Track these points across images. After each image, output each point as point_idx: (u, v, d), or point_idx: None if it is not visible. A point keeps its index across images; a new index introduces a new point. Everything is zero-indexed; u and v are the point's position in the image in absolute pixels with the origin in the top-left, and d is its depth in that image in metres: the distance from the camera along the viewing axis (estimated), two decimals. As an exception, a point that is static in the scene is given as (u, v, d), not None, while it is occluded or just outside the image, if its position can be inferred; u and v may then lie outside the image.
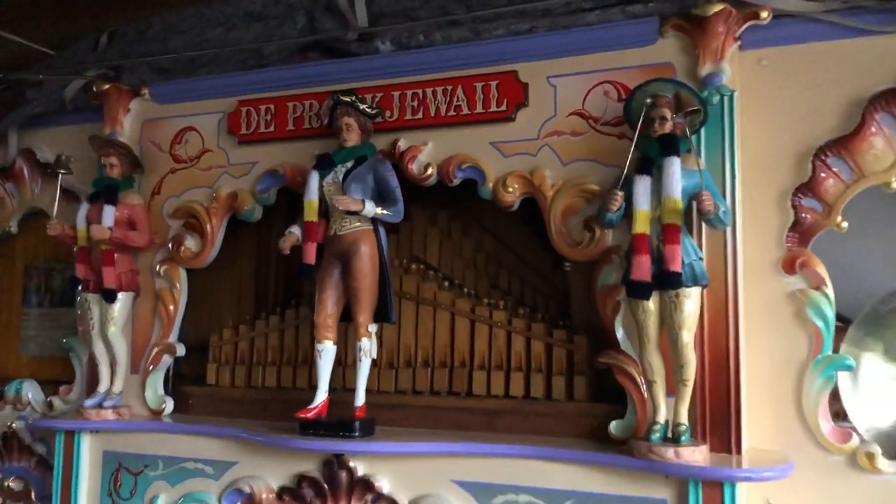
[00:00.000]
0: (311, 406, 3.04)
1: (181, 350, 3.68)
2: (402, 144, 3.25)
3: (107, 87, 3.82)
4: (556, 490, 2.78)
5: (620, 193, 2.65)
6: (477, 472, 2.90)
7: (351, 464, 3.05)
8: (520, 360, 3.19)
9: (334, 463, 3.06)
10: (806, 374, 2.70)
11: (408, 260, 3.54)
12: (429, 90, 3.23)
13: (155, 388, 3.66)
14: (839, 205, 2.75)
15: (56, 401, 3.94)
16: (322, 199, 3.15)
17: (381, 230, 3.14)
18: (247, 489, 3.22)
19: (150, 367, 3.64)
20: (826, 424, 2.68)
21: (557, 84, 3.06)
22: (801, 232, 2.78)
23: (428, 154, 3.22)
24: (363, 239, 3.07)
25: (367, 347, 3.06)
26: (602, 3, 2.97)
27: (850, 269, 2.90)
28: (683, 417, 2.59)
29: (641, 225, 2.59)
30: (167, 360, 3.66)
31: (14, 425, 4.01)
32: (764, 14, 2.78)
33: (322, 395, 3.08)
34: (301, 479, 3.14)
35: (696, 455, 2.53)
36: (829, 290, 2.71)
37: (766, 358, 2.74)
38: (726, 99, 2.79)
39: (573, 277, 3.40)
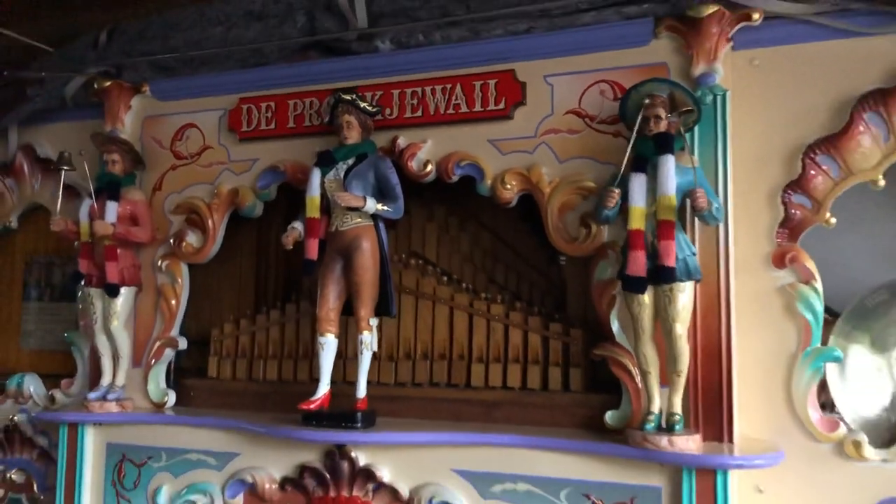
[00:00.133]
0: (314, 398, 3.09)
1: (183, 344, 3.71)
2: (402, 142, 3.28)
3: (108, 83, 3.83)
4: (554, 478, 2.83)
5: (617, 191, 2.69)
6: (476, 461, 2.94)
7: (352, 454, 3.09)
8: (517, 353, 3.24)
9: (336, 453, 3.10)
10: (795, 366, 2.75)
11: (407, 255, 3.57)
12: (428, 89, 3.27)
13: (157, 381, 3.69)
14: (828, 201, 2.78)
15: (58, 394, 3.97)
16: (324, 195, 3.18)
17: (382, 226, 3.18)
18: (249, 479, 3.25)
19: (153, 361, 3.67)
20: (815, 414, 2.73)
21: (554, 83, 3.11)
22: (790, 228, 2.82)
23: (427, 151, 3.26)
24: (364, 235, 3.11)
25: (369, 340, 3.11)
26: (598, 4, 3.00)
27: (839, 263, 2.95)
28: (677, 407, 2.65)
29: (637, 221, 2.64)
30: (169, 353, 3.69)
31: (16, 418, 4.03)
32: (756, 16, 2.83)
33: (324, 388, 3.13)
34: (303, 469, 3.18)
35: (689, 444, 2.59)
36: (818, 284, 2.75)
37: (757, 350, 2.79)
38: (719, 98, 2.84)
39: (569, 272, 3.45)
